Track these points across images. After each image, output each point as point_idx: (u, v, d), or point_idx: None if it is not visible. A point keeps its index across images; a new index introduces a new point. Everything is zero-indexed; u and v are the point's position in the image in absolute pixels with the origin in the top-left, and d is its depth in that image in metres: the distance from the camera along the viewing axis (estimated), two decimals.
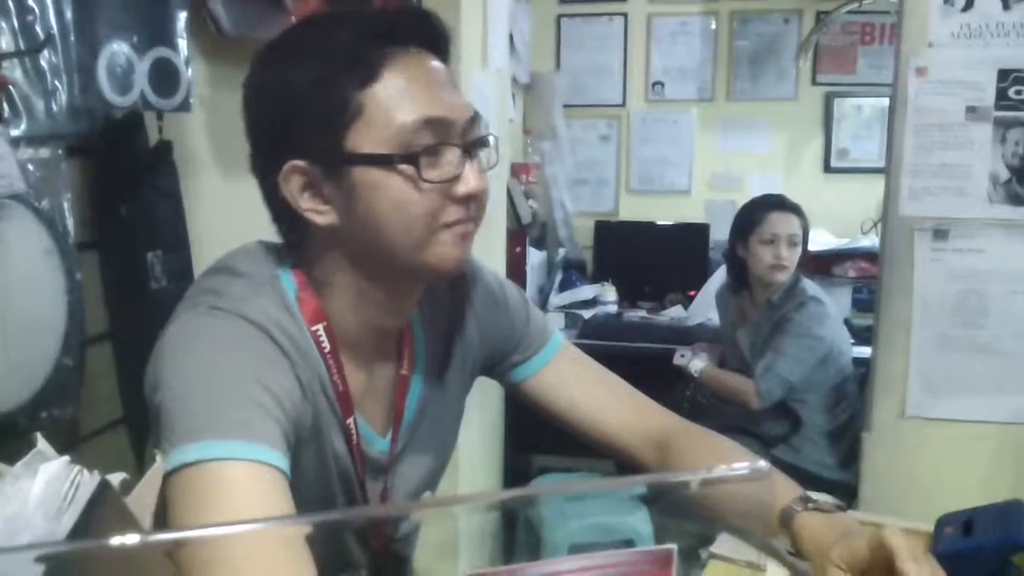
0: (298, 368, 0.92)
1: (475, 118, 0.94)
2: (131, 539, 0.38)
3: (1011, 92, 1.82)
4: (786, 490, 1.04)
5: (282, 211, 0.94)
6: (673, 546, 0.37)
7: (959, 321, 1.88)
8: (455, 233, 0.93)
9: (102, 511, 0.58)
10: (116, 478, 0.68)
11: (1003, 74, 1.81)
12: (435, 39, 0.94)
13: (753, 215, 2.78)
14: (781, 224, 2.71)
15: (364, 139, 0.89)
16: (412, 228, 0.91)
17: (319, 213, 0.92)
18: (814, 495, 1.02)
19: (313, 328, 0.95)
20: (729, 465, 0.39)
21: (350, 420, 1.00)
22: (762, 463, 0.36)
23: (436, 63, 0.93)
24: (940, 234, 1.87)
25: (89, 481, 0.68)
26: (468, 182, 0.91)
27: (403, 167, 0.88)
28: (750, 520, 1.05)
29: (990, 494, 1.78)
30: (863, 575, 0.88)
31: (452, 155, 0.91)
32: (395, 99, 0.88)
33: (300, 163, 0.91)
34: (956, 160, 1.84)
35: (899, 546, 0.85)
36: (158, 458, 0.72)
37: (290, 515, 0.75)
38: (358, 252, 0.95)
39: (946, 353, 1.89)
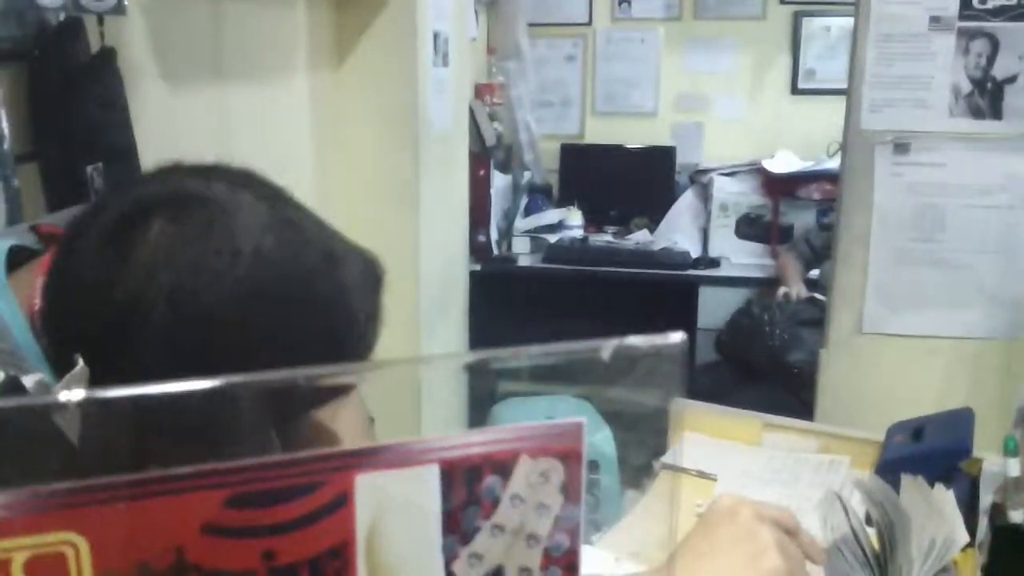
0: None
1: None
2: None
3: (975, 1, 1.78)
4: None
5: None
6: (582, 419, 0.35)
7: (917, 235, 1.88)
8: None
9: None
10: (32, 378, 0.66)
11: None
12: None
13: None
14: None
15: None
16: None
17: None
18: None
19: None
20: (644, 335, 0.37)
21: None
22: (676, 336, 0.35)
23: None
24: (901, 148, 1.85)
25: None
26: None
27: None
28: None
29: (943, 408, 1.80)
30: None
31: None
32: None
33: None
34: (918, 72, 1.82)
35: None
36: (79, 361, 0.70)
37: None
38: None
39: (903, 267, 1.90)
